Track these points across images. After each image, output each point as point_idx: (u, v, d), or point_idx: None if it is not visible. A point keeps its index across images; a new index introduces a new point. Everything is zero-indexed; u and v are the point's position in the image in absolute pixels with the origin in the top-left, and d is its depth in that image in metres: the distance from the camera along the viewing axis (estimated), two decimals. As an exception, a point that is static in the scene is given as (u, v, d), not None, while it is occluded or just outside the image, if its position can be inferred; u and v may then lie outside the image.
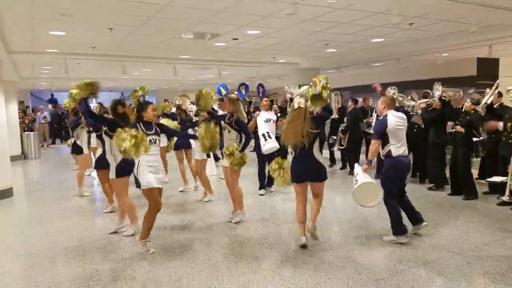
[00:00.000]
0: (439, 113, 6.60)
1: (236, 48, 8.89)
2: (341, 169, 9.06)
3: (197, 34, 7.06)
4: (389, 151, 4.33)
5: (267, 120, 6.60)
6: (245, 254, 4.12)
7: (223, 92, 10.87)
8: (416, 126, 7.11)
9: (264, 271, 3.72)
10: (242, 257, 4.06)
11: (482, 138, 6.52)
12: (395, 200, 4.39)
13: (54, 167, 11.05)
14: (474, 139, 6.31)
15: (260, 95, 11.98)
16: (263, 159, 6.73)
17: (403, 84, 12.02)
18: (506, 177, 4.88)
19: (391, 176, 4.37)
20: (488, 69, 11.60)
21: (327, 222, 5.16)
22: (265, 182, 6.91)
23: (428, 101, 6.86)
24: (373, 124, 8.26)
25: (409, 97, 7.54)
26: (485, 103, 6.11)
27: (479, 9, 5.87)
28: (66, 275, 3.72)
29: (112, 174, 4.61)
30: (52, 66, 11.64)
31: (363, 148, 9.64)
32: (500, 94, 6.31)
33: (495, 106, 6.21)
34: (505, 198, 4.83)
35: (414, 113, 7.31)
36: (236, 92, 11.70)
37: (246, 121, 5.56)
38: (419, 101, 7.19)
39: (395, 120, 4.33)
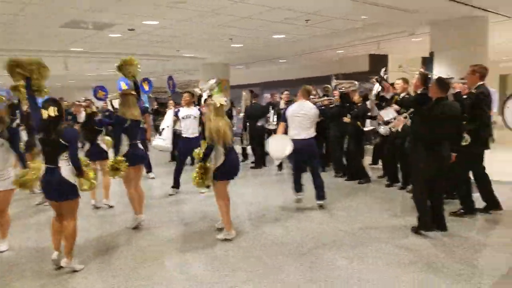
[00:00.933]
0: (337, 108, 6.98)
1: (134, 39, 8.38)
2: (252, 162, 8.97)
3: (86, 24, 6.45)
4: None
5: (187, 117, 6.21)
6: (145, 259, 3.85)
7: (124, 87, 10.09)
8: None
9: (168, 272, 3.54)
10: (141, 262, 3.78)
11: (373, 127, 7.02)
12: (294, 169, 5.42)
13: None
14: (365, 128, 6.80)
15: (171, 89, 11.33)
16: (184, 159, 6.45)
17: (305, 81, 12.62)
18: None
19: None
20: (379, 65, 12.81)
21: (238, 214, 5.09)
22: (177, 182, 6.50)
23: (331, 99, 7.23)
24: (270, 120, 8.52)
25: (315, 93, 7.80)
26: (377, 92, 6.33)
27: (368, 7, 6.38)
28: None
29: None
30: None
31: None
32: (405, 81, 5.99)
33: (404, 95, 5.77)
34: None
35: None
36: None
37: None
38: (322, 98, 7.47)
39: (294, 108, 5.18)
